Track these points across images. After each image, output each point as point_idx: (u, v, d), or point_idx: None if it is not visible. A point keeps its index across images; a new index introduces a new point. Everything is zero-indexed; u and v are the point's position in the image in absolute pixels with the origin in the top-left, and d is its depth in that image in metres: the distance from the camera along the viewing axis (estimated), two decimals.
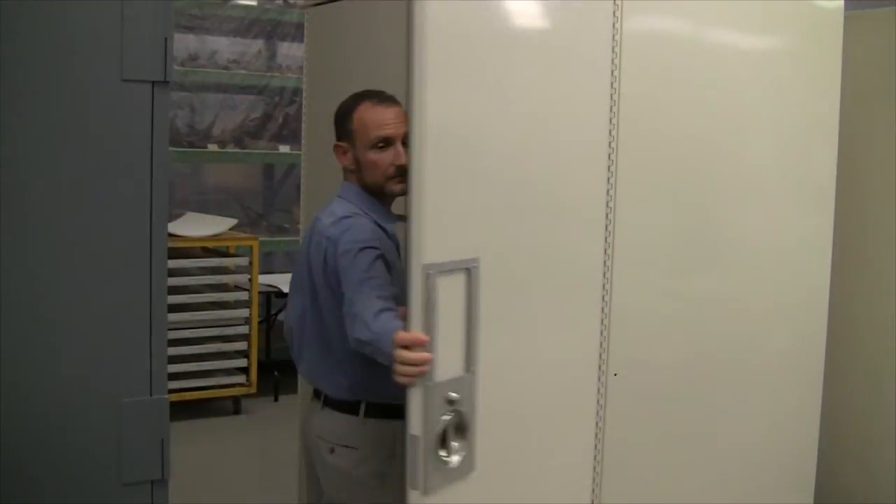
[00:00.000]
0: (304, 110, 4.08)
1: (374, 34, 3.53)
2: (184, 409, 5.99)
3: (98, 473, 1.91)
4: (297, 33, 7.20)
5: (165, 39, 1.81)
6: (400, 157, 2.70)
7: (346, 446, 2.73)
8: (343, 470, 2.75)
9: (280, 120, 7.54)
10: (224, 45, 7.53)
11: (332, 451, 2.75)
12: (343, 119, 2.81)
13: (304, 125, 4.07)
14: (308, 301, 2.74)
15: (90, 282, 1.86)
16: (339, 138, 2.81)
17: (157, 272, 1.84)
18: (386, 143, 2.73)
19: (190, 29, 7.30)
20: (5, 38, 1.73)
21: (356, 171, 2.78)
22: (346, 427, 2.74)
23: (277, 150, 7.41)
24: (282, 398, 6.62)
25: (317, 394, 2.83)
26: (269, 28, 7.56)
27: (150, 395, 1.90)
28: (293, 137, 7.19)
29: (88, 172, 1.86)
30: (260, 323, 6.66)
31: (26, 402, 1.85)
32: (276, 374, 6.62)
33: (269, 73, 7.54)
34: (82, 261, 1.87)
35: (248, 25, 7.48)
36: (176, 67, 6.96)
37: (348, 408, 2.74)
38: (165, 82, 1.81)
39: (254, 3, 7.64)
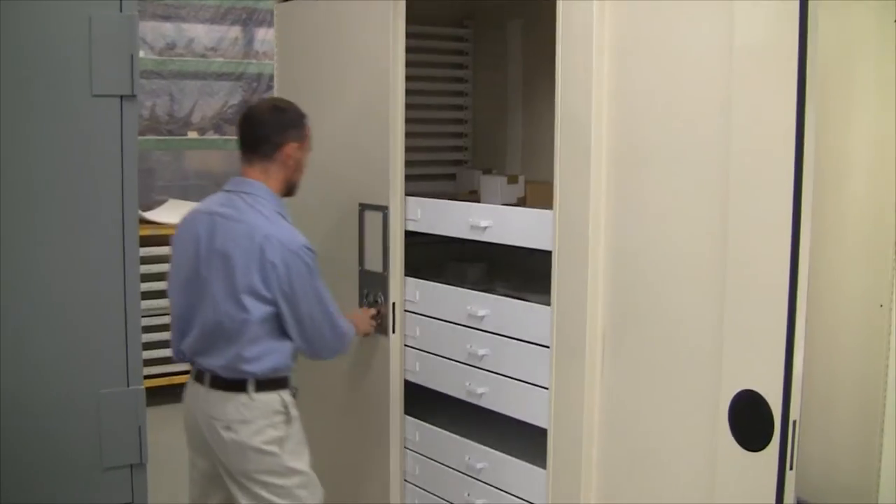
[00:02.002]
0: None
1: (336, 28, 3.67)
2: (163, 394, 6.09)
3: (81, 459, 2.04)
4: (273, 19, 7.24)
5: (131, 56, 1.93)
6: None
7: (241, 421, 3.03)
8: (242, 442, 3.04)
9: None
10: (201, 33, 7.58)
11: (227, 427, 3.04)
12: (301, 124, 3.19)
13: None
14: (242, 304, 3.00)
15: (68, 284, 1.99)
16: (293, 139, 3.15)
17: (129, 274, 1.97)
18: None
19: (166, 18, 7.36)
20: None
21: (289, 171, 3.17)
22: (238, 404, 3.05)
23: None
24: None
25: (198, 377, 3.14)
26: (244, 15, 7.61)
27: (128, 385, 2.03)
28: None
29: (64, 179, 1.97)
30: None
31: (11, 395, 1.97)
32: None
33: (245, 60, 7.60)
34: (60, 262, 1.99)
35: (224, 13, 7.53)
36: (153, 57, 7.09)
37: (237, 386, 3.05)
38: (133, 96, 1.94)
39: None
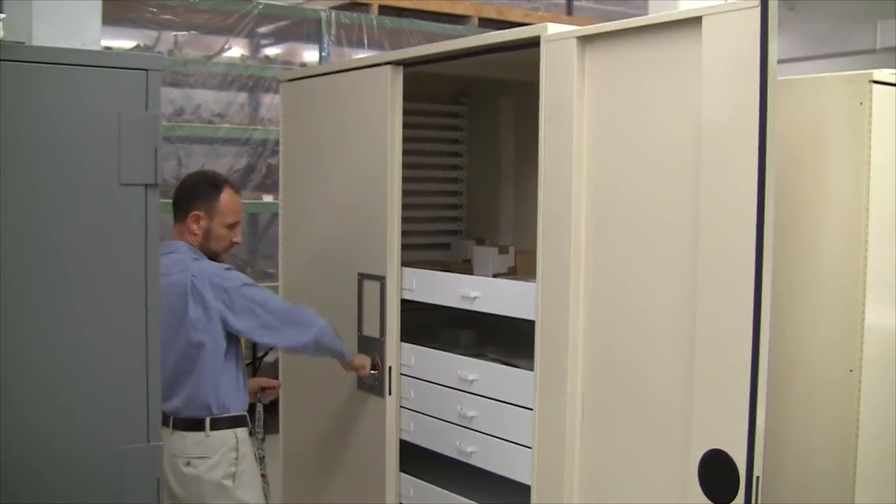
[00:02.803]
0: (280, 168, 4.37)
1: (337, 105, 3.84)
2: None
3: None
4: (278, 86, 7.34)
5: (155, 148, 2.16)
6: (239, 237, 3.53)
7: (199, 457, 3.30)
8: (199, 477, 3.31)
9: (263, 170, 7.64)
10: (209, 99, 7.61)
11: (188, 464, 3.31)
12: (209, 195, 3.46)
13: (280, 181, 4.36)
14: (190, 342, 3.28)
15: (94, 350, 2.16)
16: (197, 208, 3.43)
17: (151, 342, 2.16)
18: (236, 224, 3.49)
19: (175, 84, 7.47)
20: (24, 147, 2.08)
21: (199, 237, 3.43)
22: (195, 441, 3.34)
23: (261, 199, 7.54)
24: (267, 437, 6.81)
25: (165, 422, 3.31)
26: (251, 82, 7.70)
27: (147, 441, 2.23)
28: (276, 187, 7.15)
29: (92, 257, 2.16)
30: (247, 365, 6.86)
31: (34, 451, 2.14)
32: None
33: (251, 126, 7.64)
34: (86, 330, 2.15)
35: (231, 80, 7.59)
36: (162, 122, 7.18)
37: (195, 425, 3.35)
38: (156, 185, 2.15)
39: (236, 59, 7.82)
